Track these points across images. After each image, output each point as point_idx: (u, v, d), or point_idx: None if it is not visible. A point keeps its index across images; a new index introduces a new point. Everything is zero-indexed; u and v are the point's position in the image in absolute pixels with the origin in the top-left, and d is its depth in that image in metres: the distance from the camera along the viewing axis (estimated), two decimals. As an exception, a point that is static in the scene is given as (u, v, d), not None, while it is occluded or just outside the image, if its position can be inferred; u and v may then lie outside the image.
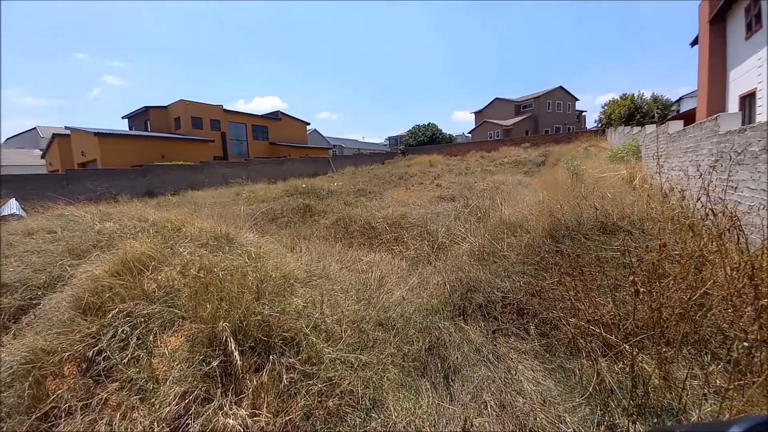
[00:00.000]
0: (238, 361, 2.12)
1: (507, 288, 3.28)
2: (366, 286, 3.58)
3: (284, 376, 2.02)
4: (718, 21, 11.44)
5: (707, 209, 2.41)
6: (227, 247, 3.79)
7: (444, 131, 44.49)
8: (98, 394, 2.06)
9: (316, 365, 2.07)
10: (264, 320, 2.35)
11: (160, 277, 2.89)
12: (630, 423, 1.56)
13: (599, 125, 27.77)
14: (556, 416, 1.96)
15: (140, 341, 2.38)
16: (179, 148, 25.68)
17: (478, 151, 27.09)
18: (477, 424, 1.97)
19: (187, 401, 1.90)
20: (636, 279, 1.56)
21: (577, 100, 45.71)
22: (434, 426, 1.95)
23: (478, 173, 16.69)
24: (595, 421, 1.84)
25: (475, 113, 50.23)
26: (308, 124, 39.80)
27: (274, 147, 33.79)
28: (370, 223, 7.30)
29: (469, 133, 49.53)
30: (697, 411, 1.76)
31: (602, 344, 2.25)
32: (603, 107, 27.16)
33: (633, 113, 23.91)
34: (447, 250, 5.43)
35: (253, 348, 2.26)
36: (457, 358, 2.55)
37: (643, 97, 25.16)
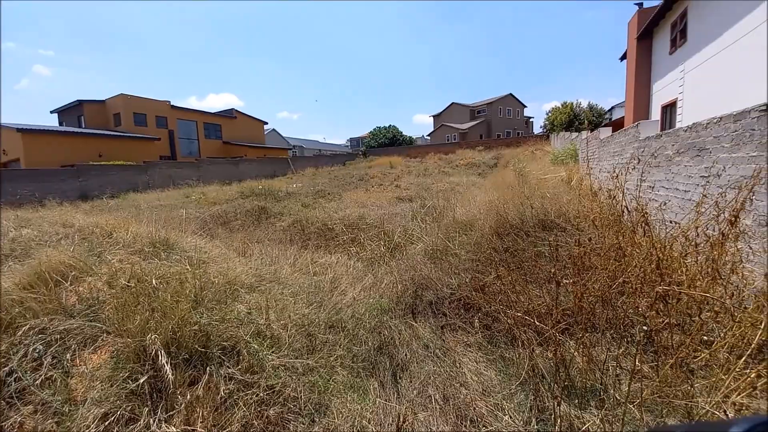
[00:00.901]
0: (170, 376, 1.97)
1: (455, 284, 3.40)
2: (318, 288, 3.52)
3: (222, 388, 1.91)
4: (644, 38, 12.82)
5: (622, 207, 2.68)
6: (165, 254, 3.52)
7: (405, 133, 45.24)
8: (12, 417, 1.83)
9: (258, 373, 1.98)
10: (201, 330, 2.21)
11: (81, 289, 2.61)
12: (555, 404, 1.68)
13: (544, 130, 30.03)
14: (495, 404, 2.05)
15: (56, 360, 2.14)
16: (120, 146, 23.51)
17: (437, 154, 27.90)
18: (421, 419, 2.01)
19: (108, 422, 1.73)
20: (557, 271, 1.69)
21: (525, 107, 48.84)
22: (380, 425, 1.96)
23: (436, 175, 17.17)
24: (528, 405, 1.95)
25: (434, 117, 51.68)
26: (266, 123, 38.40)
27: (229, 146, 32.16)
28: (328, 224, 7.20)
29: (429, 135, 50.86)
30: (617, 390, 1.94)
31: (537, 333, 2.41)
32: (547, 114, 29.51)
33: (572, 120, 26.28)
34: (403, 250, 5.50)
35: (188, 360, 2.12)
36: (405, 355, 2.59)
37: (581, 106, 27.80)
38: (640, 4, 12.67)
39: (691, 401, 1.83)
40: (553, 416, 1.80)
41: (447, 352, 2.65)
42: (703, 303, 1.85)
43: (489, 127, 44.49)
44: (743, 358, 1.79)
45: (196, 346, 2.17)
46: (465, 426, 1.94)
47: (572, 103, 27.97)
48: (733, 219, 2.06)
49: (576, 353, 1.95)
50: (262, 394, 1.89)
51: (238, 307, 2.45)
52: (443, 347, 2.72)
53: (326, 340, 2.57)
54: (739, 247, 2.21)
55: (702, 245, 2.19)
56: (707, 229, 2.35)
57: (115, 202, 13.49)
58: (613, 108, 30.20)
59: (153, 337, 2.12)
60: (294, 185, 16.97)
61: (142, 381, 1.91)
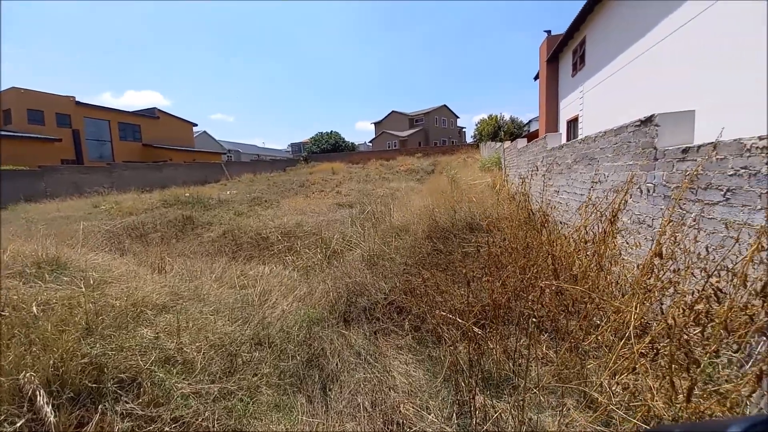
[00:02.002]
0: (51, 419, 1.67)
1: (387, 289, 3.45)
2: (246, 303, 3.30)
3: (117, 427, 1.66)
4: (553, 61, 14.61)
5: (528, 209, 3.00)
6: (54, 275, 3.00)
7: (347, 140, 45.28)
8: None
9: (163, 405, 1.77)
10: (93, 362, 1.91)
11: (-75, 325, 2.09)
12: (470, 397, 1.78)
13: (475, 140, 32.77)
14: (421, 404, 2.11)
15: None
16: (9, 148, 19.69)
17: (378, 160, 28.38)
18: (349, 429, 1.98)
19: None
20: (467, 271, 1.81)
21: (458, 117, 52.44)
22: (304, 442, 1.88)
23: (377, 180, 17.43)
24: (450, 401, 2.05)
25: (375, 124, 52.62)
26: (195, 125, 35.37)
27: (150, 150, 28.92)
28: (262, 233, 6.84)
29: (370, 142, 51.56)
30: (526, 377, 2.13)
31: (460, 330, 2.55)
32: (476, 125, 32.46)
33: (497, 131, 29.28)
34: (341, 256, 5.44)
35: (75, 399, 1.82)
36: (336, 365, 2.54)
37: (504, 119, 31.20)
38: (549, 32, 14.45)
39: (585, 380, 2.09)
40: (470, 409, 1.91)
41: (379, 357, 2.66)
42: (590, 292, 2.13)
43: (427, 135, 46.66)
44: (622, 340, 2.10)
45: (86, 382, 1.87)
46: (392, 429, 1.96)
47: (497, 116, 31.30)
48: (612, 218, 2.41)
49: (492, 346, 2.09)
50: (166, 429, 1.69)
51: (143, 332, 2.17)
52: (376, 353, 2.73)
53: (250, 359, 2.41)
54: (618, 242, 2.59)
55: (590, 242, 2.54)
56: (594, 227, 2.73)
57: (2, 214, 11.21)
58: (530, 121, 33.95)
59: (29, 375, 1.79)
60: (228, 192, 15.83)
61: (19, 425, 1.59)
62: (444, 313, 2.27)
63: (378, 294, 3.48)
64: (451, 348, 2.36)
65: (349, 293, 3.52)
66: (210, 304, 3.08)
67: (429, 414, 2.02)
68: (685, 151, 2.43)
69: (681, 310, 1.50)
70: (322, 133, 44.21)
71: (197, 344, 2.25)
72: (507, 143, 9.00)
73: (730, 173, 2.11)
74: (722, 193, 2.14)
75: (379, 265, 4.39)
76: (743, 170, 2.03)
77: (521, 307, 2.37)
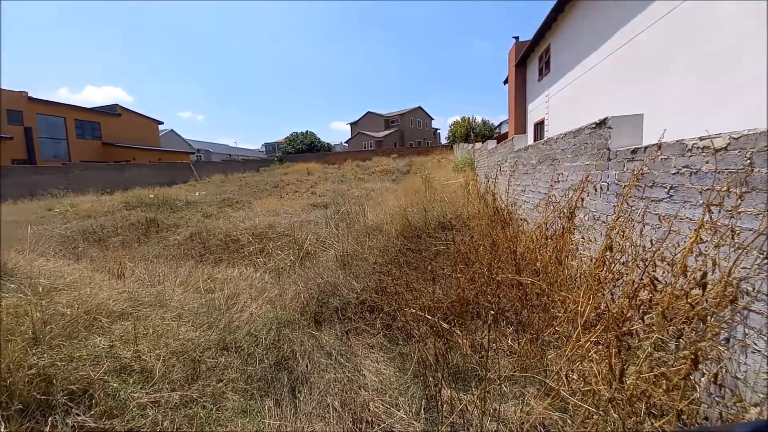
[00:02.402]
0: (1, 429, 1.56)
1: (359, 288, 3.45)
2: (212, 307, 3.19)
3: (66, 441, 1.57)
4: (521, 66, 15.16)
5: (494, 207, 3.11)
6: (-4, 283, 2.77)
7: (323, 140, 44.77)
8: None
9: (118, 417, 1.68)
10: (41, 373, 1.79)
11: None
12: (437, 391, 1.83)
13: (449, 141, 33.55)
14: (391, 401, 2.13)
15: None
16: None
17: (354, 161, 28.28)
18: (317, 428, 1.96)
19: None
20: (432, 268, 1.86)
21: (432, 119, 53.36)
22: (273, 446, 1.85)
23: (353, 181, 17.38)
24: (419, 396, 2.08)
25: (351, 124, 52.43)
26: (161, 123, 33.68)
27: (111, 149, 27.26)
28: (232, 235, 6.63)
29: (346, 142, 51.31)
30: (490, 370, 2.20)
31: (430, 327, 2.60)
32: (450, 127, 33.31)
33: (469, 133, 30.15)
34: (314, 257, 5.39)
35: (24, 410, 1.70)
36: (306, 366, 2.51)
37: (476, 121, 32.22)
38: (517, 38, 14.99)
39: (545, 369, 2.19)
40: (438, 403, 1.95)
41: (350, 357, 2.66)
42: (550, 285, 2.24)
43: (402, 136, 47.04)
44: (578, 330, 2.22)
45: (35, 393, 1.75)
46: (361, 428, 1.97)
47: (469, 118, 32.30)
48: (570, 215, 2.54)
49: (460, 341, 2.15)
50: (122, 440, 1.61)
51: (96, 341, 2.05)
52: (347, 352, 2.72)
53: (216, 365, 2.34)
54: (576, 238, 2.74)
55: (550, 238, 2.67)
56: (554, 224, 2.88)
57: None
58: (501, 124, 35.14)
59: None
60: (197, 193, 15.21)
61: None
62: (414, 311, 2.31)
63: (350, 294, 3.47)
64: (421, 344, 2.40)
65: (321, 294, 3.49)
66: (172, 309, 2.95)
67: (398, 410, 2.05)
68: (634, 151, 2.60)
69: (627, 300, 1.61)
70: (297, 133, 43.47)
71: (157, 352, 2.15)
72: (478, 144, 9.32)
73: (673, 172, 2.28)
74: (666, 190, 2.31)
75: (353, 265, 4.39)
76: (685, 169, 2.21)
77: (484, 301, 2.45)
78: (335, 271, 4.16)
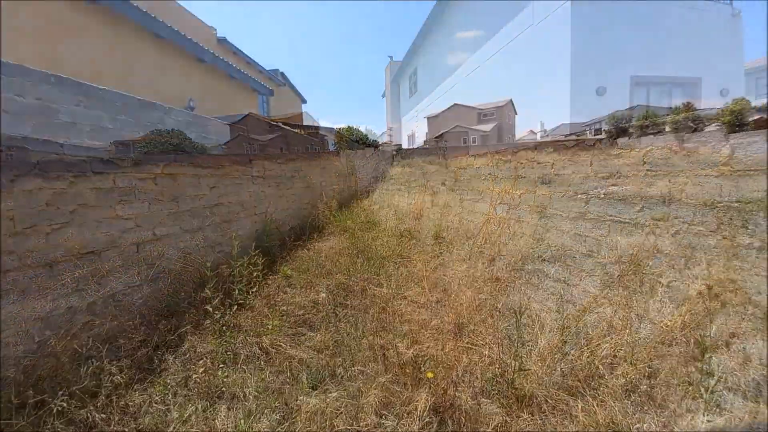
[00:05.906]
0: None
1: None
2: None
3: None
4: (395, 82, 16.87)
5: (368, 206, 3.56)
6: None
7: (194, 140, 39.31)
8: None
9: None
10: None
11: None
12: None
13: (335, 147, 34.56)
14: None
15: None
16: None
17: (234, 165, 25.88)
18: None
19: None
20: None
21: (319, 126, 53.69)
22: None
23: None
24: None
25: (230, 125, 47.79)
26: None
27: None
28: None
29: (225, 144, 46.44)
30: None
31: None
32: (335, 132, 34.45)
33: (355, 140, 31.80)
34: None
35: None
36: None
37: (360, 129, 34.24)
38: (391, 57, 16.68)
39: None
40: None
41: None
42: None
43: (288, 140, 45.54)
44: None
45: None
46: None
47: (352, 127, 33.95)
48: (418, 212, 3.15)
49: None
50: None
51: None
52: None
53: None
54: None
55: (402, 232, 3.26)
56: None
57: None
58: (383, 133, 38.16)
59: None
60: None
61: None
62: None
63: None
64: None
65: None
66: None
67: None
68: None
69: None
70: (160, 130, 36.92)
71: None
72: (359, 152, 10.10)
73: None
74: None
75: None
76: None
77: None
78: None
